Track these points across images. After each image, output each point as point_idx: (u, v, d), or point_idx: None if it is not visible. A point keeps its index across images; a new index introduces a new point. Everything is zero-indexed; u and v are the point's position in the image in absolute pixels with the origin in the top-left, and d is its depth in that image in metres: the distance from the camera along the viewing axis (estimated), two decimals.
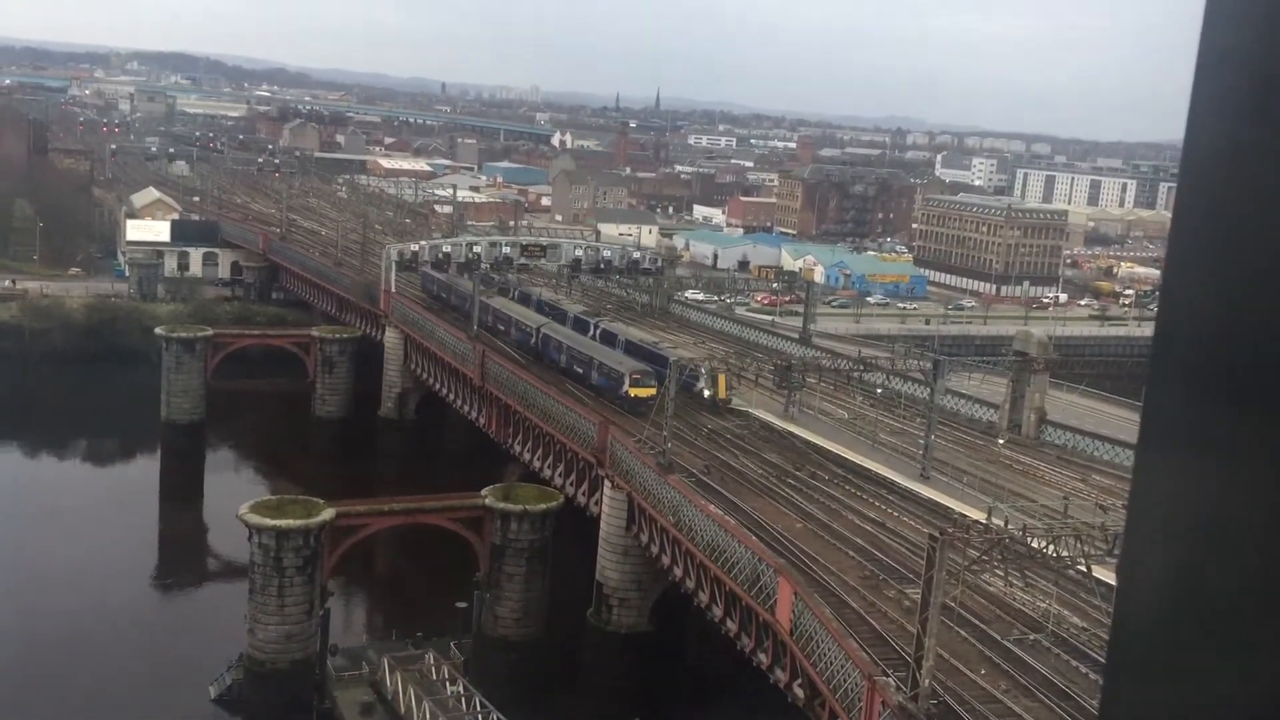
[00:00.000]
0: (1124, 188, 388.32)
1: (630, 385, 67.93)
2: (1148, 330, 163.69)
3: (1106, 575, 38.84)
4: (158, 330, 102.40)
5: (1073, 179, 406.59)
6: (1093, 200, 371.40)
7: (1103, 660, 37.55)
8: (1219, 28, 2.28)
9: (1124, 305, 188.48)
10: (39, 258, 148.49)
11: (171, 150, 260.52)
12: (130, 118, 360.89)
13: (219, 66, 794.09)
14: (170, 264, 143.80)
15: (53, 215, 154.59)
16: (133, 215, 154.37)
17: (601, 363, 72.64)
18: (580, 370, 75.11)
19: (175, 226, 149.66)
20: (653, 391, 65.03)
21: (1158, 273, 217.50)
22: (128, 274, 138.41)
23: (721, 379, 67.54)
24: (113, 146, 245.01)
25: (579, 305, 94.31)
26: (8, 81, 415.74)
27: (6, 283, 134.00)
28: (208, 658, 63.09)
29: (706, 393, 67.50)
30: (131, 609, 72.31)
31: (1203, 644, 2.32)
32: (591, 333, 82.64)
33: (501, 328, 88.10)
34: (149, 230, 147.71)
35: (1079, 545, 37.36)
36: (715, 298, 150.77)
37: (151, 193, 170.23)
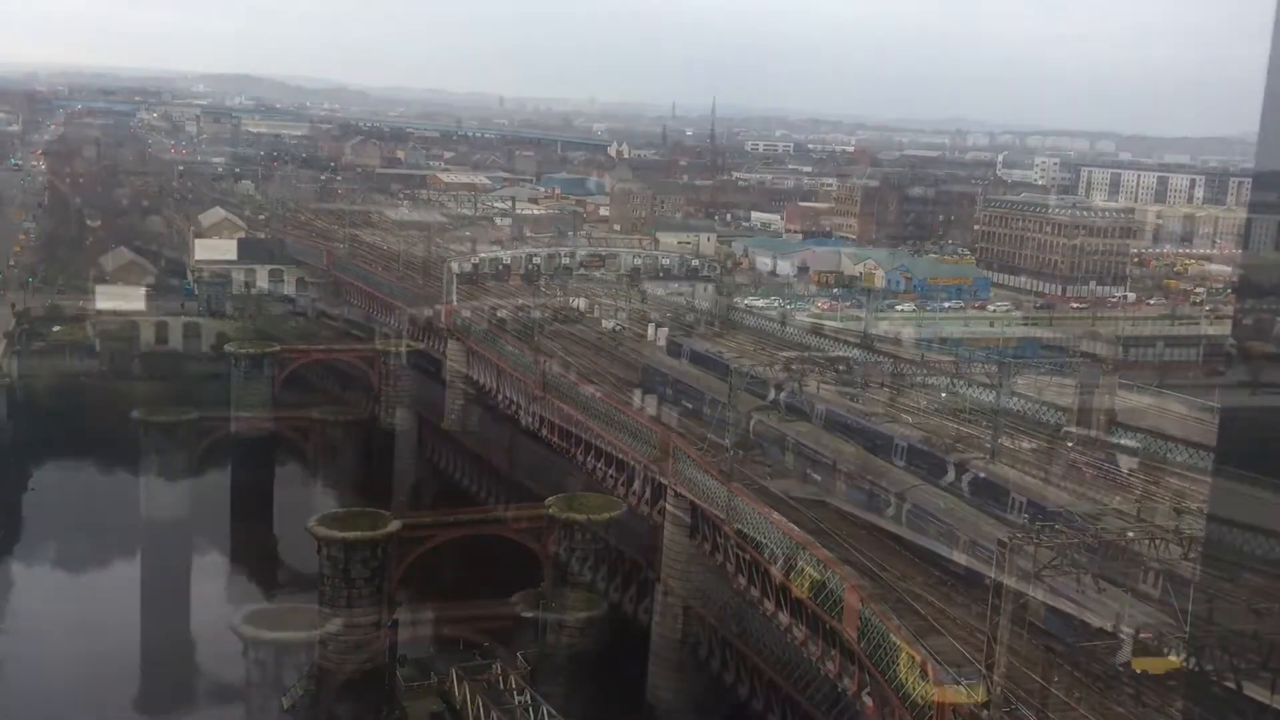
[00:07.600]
0: (1192, 183, 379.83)
1: (1135, 652, 35.80)
2: (1219, 329, 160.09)
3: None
4: (227, 347, 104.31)
5: (1138, 176, 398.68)
6: (1160, 197, 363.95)
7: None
8: None
9: (1195, 303, 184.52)
10: (110, 278, 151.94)
11: (237, 170, 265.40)
12: (196, 139, 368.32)
13: (281, 87, 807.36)
14: (237, 281, 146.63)
15: (123, 236, 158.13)
16: (200, 234, 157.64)
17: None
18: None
19: (242, 245, 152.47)
20: (1175, 665, 34.97)
21: (1229, 269, 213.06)
22: (196, 292, 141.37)
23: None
24: (180, 167, 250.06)
25: (908, 428, 57.67)
26: (79, 106, 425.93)
27: (80, 303, 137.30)
28: (279, 669, 63.89)
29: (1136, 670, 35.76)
30: (203, 621, 73.51)
31: None
32: (951, 476, 52.90)
33: (816, 474, 57.04)
34: (216, 249, 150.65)
35: (1153, 549, 36.60)
36: (775, 304, 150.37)
37: (218, 212, 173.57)
